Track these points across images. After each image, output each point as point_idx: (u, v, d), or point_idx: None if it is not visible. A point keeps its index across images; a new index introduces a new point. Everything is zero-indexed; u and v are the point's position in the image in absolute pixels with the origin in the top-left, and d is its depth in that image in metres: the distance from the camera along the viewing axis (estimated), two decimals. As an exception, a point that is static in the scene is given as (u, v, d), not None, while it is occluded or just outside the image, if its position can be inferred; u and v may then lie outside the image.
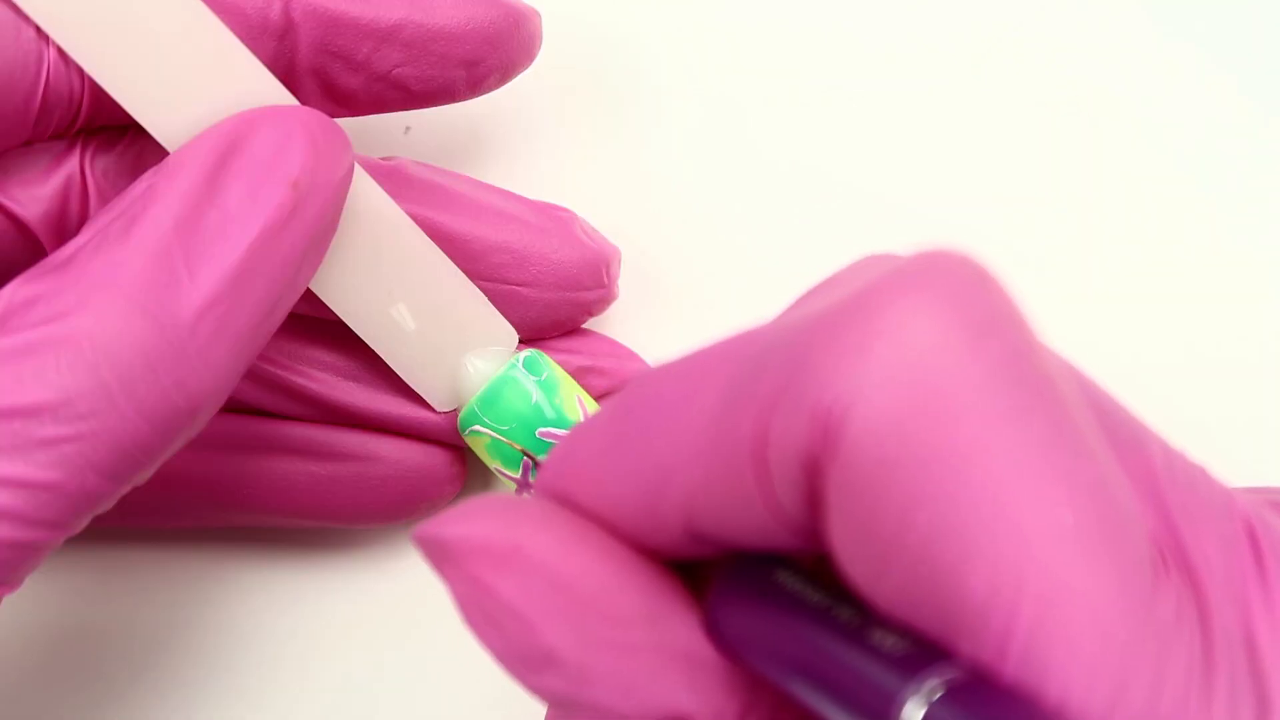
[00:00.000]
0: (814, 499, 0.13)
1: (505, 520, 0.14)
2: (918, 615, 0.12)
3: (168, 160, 0.19)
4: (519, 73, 0.24)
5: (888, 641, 0.12)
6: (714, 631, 0.14)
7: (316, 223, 0.20)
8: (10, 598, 0.19)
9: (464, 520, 0.14)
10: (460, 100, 0.24)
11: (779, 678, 0.13)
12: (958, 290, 0.12)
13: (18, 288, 0.18)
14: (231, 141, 0.19)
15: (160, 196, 0.19)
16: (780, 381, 0.13)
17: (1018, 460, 0.12)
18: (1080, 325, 0.26)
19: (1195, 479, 0.14)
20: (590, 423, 0.15)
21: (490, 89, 0.24)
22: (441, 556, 0.14)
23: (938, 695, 0.12)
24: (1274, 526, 0.14)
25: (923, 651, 0.12)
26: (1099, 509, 0.12)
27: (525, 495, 0.24)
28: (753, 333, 0.14)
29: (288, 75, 0.22)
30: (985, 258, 0.13)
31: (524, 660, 0.14)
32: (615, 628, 0.14)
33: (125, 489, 0.19)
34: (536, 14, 0.24)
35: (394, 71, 0.22)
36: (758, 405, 0.13)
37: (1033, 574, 0.12)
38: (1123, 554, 0.12)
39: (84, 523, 0.19)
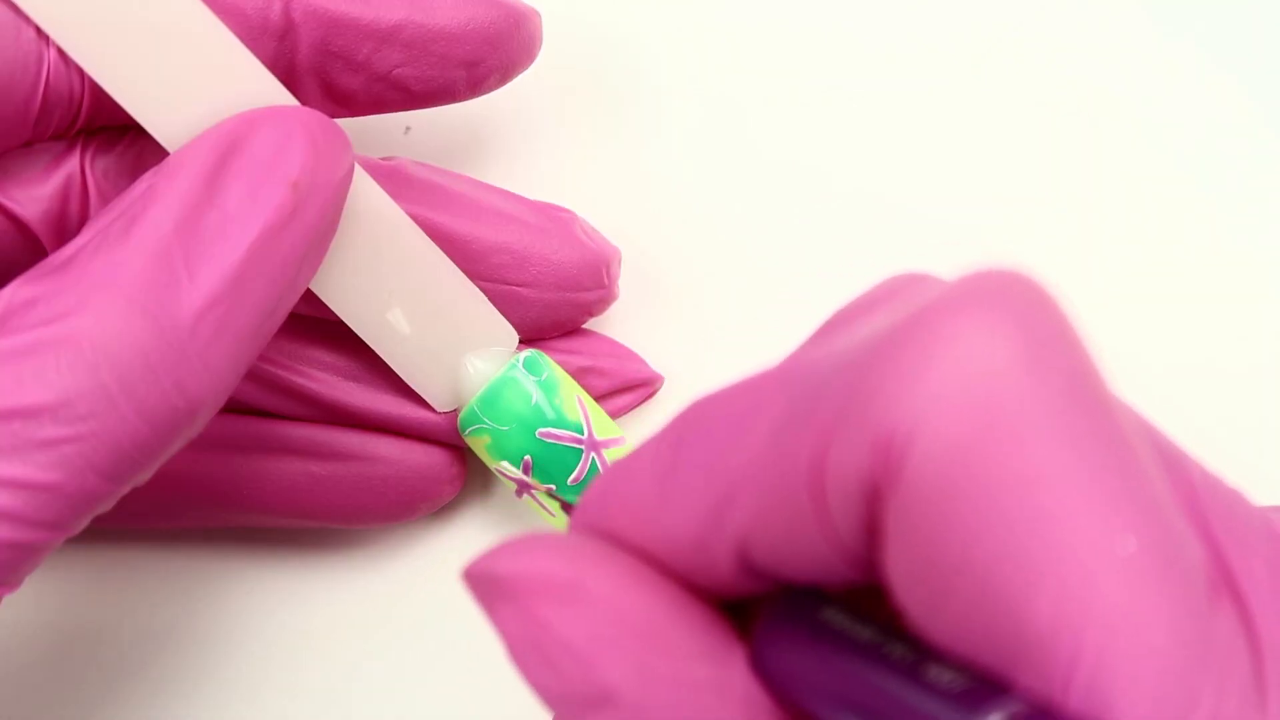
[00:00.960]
0: (872, 527, 0.12)
1: (565, 556, 0.14)
2: (978, 647, 0.12)
3: (167, 161, 0.19)
4: (519, 73, 0.24)
5: (945, 677, 0.12)
6: (762, 670, 0.14)
7: (317, 223, 0.20)
8: (10, 598, 0.19)
9: (520, 555, 0.14)
10: (460, 100, 0.24)
11: (831, 717, 0.13)
12: (1019, 310, 0.12)
13: (18, 288, 0.18)
14: (231, 142, 0.19)
15: (160, 197, 0.19)
16: (839, 407, 0.12)
17: (1081, 486, 0.12)
18: (1079, 326, 0.26)
19: (1234, 501, 0.14)
20: (635, 457, 0.15)
21: (490, 89, 0.24)
22: (494, 593, 0.14)
23: None
24: None
25: (982, 686, 0.12)
26: (1158, 534, 0.12)
27: (527, 495, 0.24)
28: (805, 357, 0.14)
29: (288, 76, 0.22)
30: (1042, 276, 0.13)
31: (578, 700, 0.14)
32: (675, 665, 0.13)
33: (125, 490, 0.19)
34: (536, 14, 0.24)
35: (394, 72, 0.22)
36: (815, 431, 0.12)
37: (1098, 604, 0.11)
38: (1182, 580, 0.12)
39: (84, 523, 0.19)
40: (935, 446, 0.12)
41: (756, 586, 0.14)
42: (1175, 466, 0.14)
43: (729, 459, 0.13)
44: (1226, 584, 0.13)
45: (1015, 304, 0.12)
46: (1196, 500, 0.13)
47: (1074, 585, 0.11)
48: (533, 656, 0.14)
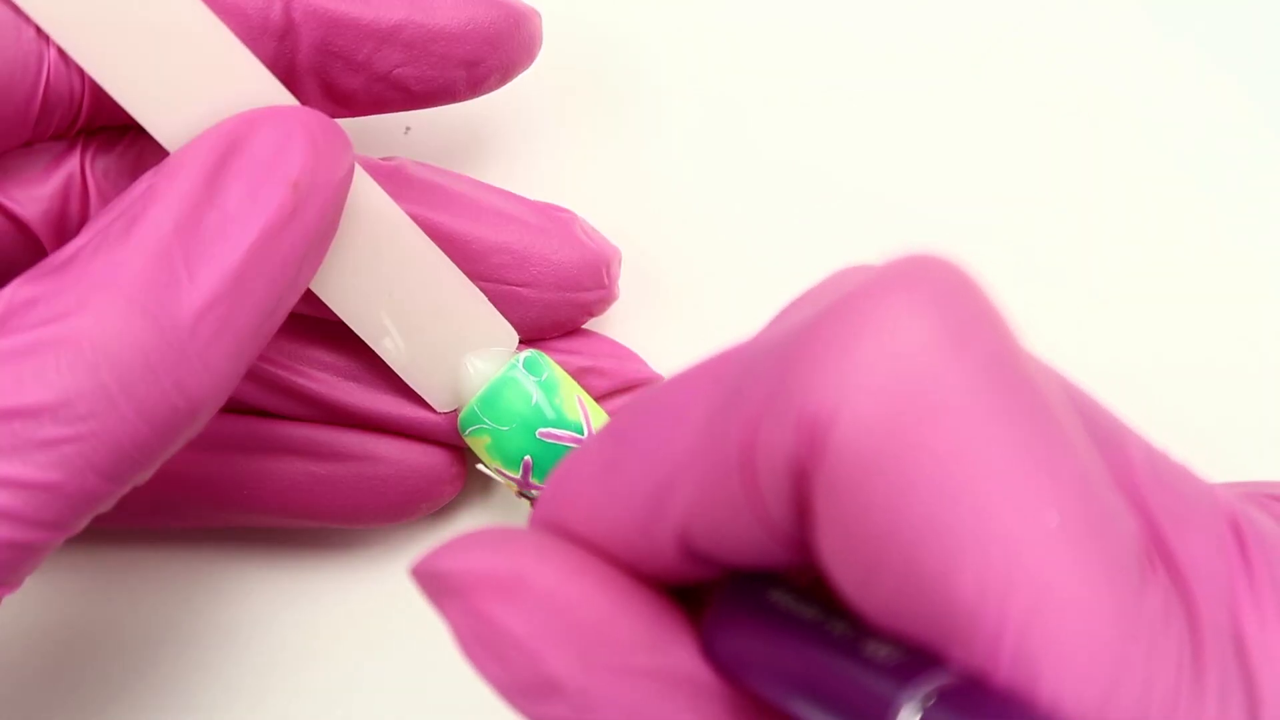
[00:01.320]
0: (802, 507, 0.13)
1: (505, 551, 0.14)
2: (908, 622, 0.12)
3: (168, 161, 0.19)
4: (519, 73, 0.24)
5: (881, 652, 0.12)
6: (711, 654, 0.14)
7: (317, 223, 0.20)
8: (10, 598, 0.19)
9: (462, 553, 0.14)
10: (460, 100, 0.23)
11: (777, 696, 0.13)
12: (939, 293, 0.12)
13: (18, 288, 0.18)
14: (231, 142, 0.19)
15: (160, 197, 0.19)
16: (766, 390, 0.13)
17: (1003, 460, 0.12)
18: (1080, 325, 0.26)
19: (1178, 477, 0.14)
20: (582, 451, 0.15)
21: (490, 89, 0.24)
22: (440, 590, 0.14)
23: (931, 701, 0.12)
24: (1258, 522, 0.14)
25: (916, 659, 0.12)
26: (1085, 508, 0.12)
27: (531, 494, 0.24)
28: (738, 348, 0.14)
29: (288, 76, 0.21)
30: (965, 260, 0.13)
31: (526, 690, 0.14)
32: (618, 654, 0.14)
33: (125, 489, 0.19)
34: (537, 14, 0.24)
35: (394, 72, 0.22)
36: (745, 415, 0.13)
37: (1020, 575, 0.12)
38: (1110, 552, 0.12)
39: (84, 523, 0.19)
40: (856, 425, 0.12)
41: (702, 573, 0.14)
42: (1112, 442, 0.14)
43: (666, 448, 0.14)
44: (1164, 559, 0.13)
45: (935, 287, 0.12)
46: (1133, 476, 0.13)
47: (996, 557, 0.12)
48: (480, 650, 0.14)
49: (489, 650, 0.14)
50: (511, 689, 0.14)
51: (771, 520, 0.13)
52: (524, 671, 0.14)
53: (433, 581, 0.14)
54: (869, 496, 0.12)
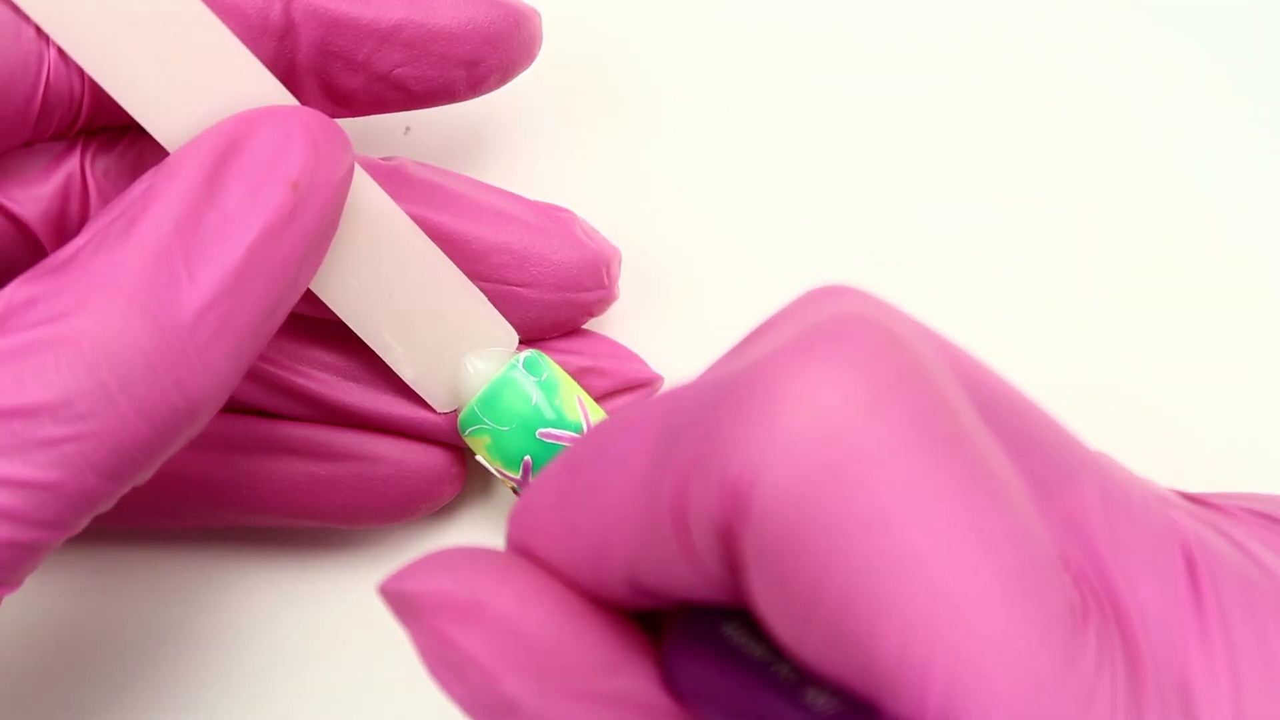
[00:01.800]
0: (734, 562, 0.13)
1: (465, 574, 0.14)
2: (841, 675, 0.12)
3: (167, 160, 0.19)
4: (519, 73, 0.24)
5: (820, 700, 0.13)
6: (669, 682, 0.15)
7: (317, 223, 0.20)
8: (10, 598, 0.19)
9: (425, 575, 0.15)
10: (460, 100, 0.23)
11: None
12: (859, 353, 0.12)
13: (17, 288, 0.18)
14: (231, 142, 0.19)
15: (160, 197, 0.19)
16: (693, 449, 0.13)
17: (924, 521, 0.12)
18: (1079, 325, 0.26)
19: (1134, 509, 0.14)
20: (544, 476, 0.15)
21: (490, 89, 0.24)
22: (404, 610, 0.15)
23: None
24: (1216, 555, 0.14)
25: (852, 710, 0.13)
26: (1012, 563, 0.12)
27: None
28: (682, 390, 0.14)
29: (288, 76, 0.21)
30: (889, 305, 0.14)
31: (487, 710, 0.14)
32: (572, 678, 0.14)
33: (125, 489, 0.19)
34: (537, 14, 0.24)
35: (394, 72, 0.22)
36: (675, 471, 0.13)
37: (943, 635, 0.12)
38: (1038, 607, 0.12)
39: (84, 523, 0.19)
40: (777, 490, 0.12)
41: (654, 605, 0.15)
42: (1065, 479, 0.14)
43: (609, 494, 0.14)
44: (1110, 603, 0.13)
45: (855, 348, 0.12)
46: (1085, 515, 0.13)
47: (918, 620, 0.12)
48: (442, 669, 0.14)
49: (450, 670, 0.14)
50: (474, 708, 0.15)
51: (707, 571, 0.13)
52: (483, 692, 0.14)
53: (397, 601, 0.15)
54: (793, 560, 0.12)
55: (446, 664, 0.14)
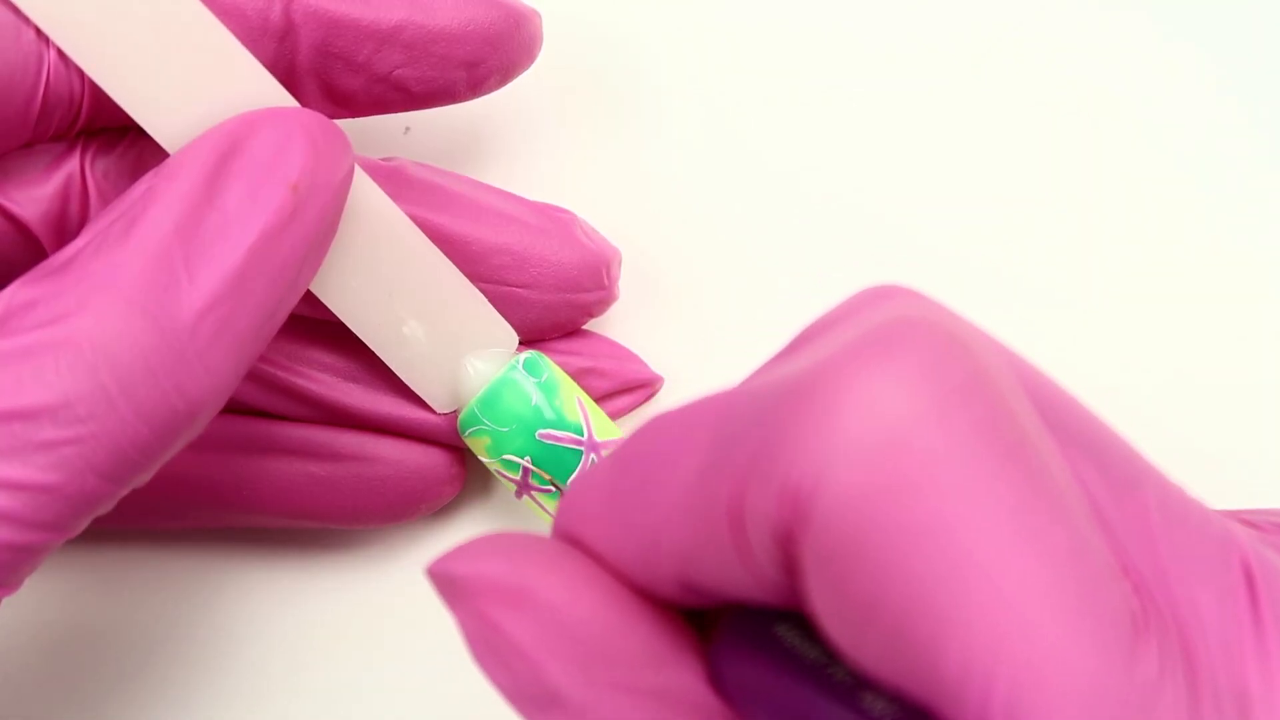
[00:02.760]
0: (791, 567, 0.13)
1: (515, 560, 0.14)
2: (900, 681, 0.12)
3: (167, 162, 0.19)
4: (519, 74, 0.24)
5: (878, 705, 0.13)
6: (716, 681, 0.14)
7: (317, 224, 0.19)
8: (10, 599, 0.19)
9: (475, 557, 0.14)
10: (461, 101, 0.23)
11: None
12: (923, 358, 0.12)
13: (17, 290, 0.18)
14: (231, 143, 0.19)
15: (160, 198, 0.19)
16: (752, 452, 0.13)
17: (986, 530, 0.12)
18: (1080, 326, 0.26)
19: (1192, 519, 0.14)
20: (595, 471, 0.15)
21: (490, 90, 0.23)
22: (451, 592, 0.14)
23: None
24: (1274, 568, 0.13)
25: (909, 715, 0.12)
26: (1074, 572, 0.12)
27: (526, 497, 0.23)
28: (736, 391, 0.14)
29: (288, 77, 0.21)
30: (956, 310, 0.13)
31: (530, 698, 0.14)
32: (619, 671, 0.14)
33: (124, 491, 0.19)
34: (537, 15, 0.23)
35: (394, 73, 0.22)
36: (733, 474, 0.13)
37: (1006, 645, 0.12)
38: (1099, 616, 0.12)
39: (83, 525, 0.19)
40: (839, 497, 0.12)
41: (704, 603, 0.15)
42: (1126, 485, 0.14)
43: (661, 493, 0.14)
44: (1170, 613, 0.13)
45: (919, 352, 0.12)
46: (1148, 522, 0.13)
47: (980, 633, 0.12)
48: (487, 655, 0.14)
49: (495, 656, 0.14)
50: (516, 695, 0.14)
51: (763, 575, 0.13)
52: (527, 680, 0.14)
53: (445, 583, 0.15)
54: (854, 567, 0.12)
55: (491, 649, 0.14)
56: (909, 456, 0.12)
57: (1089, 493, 0.13)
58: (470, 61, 0.23)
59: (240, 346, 0.19)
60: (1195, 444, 0.25)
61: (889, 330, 0.13)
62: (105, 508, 0.19)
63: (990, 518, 0.12)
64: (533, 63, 0.24)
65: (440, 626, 0.24)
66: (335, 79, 0.22)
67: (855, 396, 0.12)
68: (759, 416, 0.13)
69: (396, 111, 0.23)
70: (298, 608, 0.25)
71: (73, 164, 0.21)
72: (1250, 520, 0.15)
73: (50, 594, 0.24)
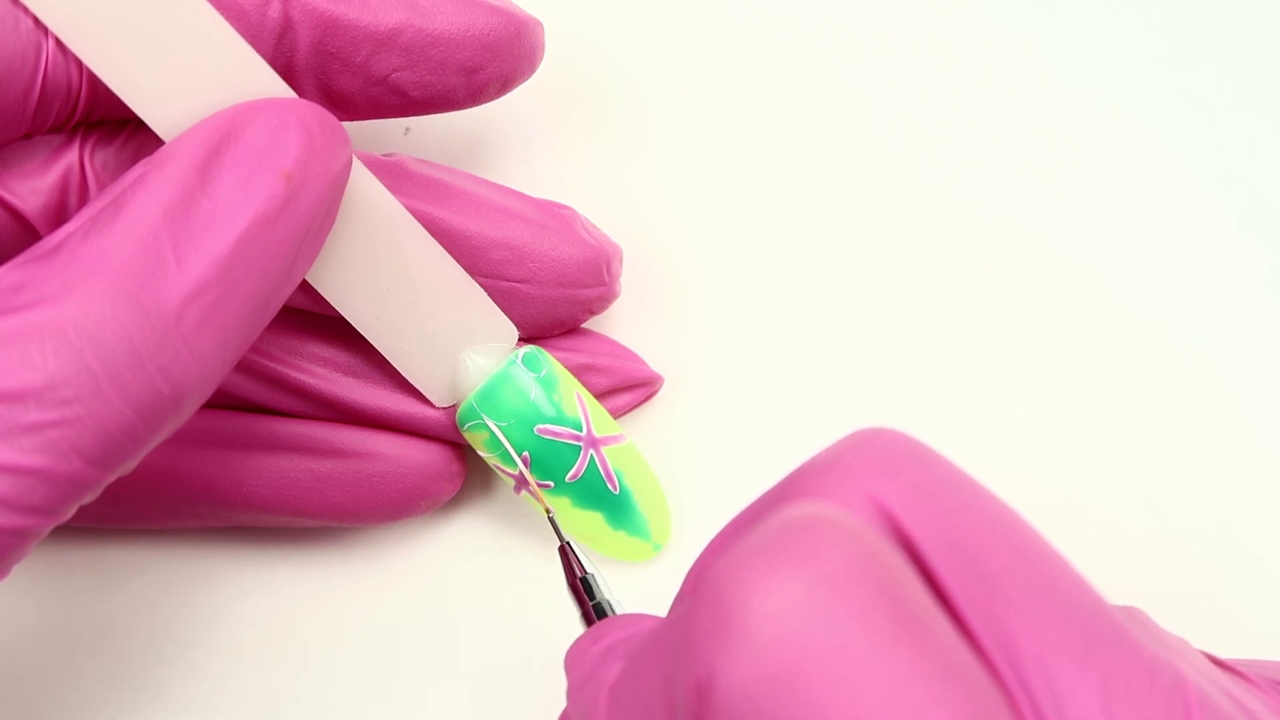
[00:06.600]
0: None
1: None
2: None
3: (161, 150, 0.18)
4: (520, 82, 0.23)
5: None
6: None
7: (311, 215, 0.18)
8: (10, 598, 0.18)
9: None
10: (461, 108, 0.22)
11: None
12: (807, 557, 0.13)
13: (5, 273, 0.17)
14: (225, 131, 0.18)
15: (150, 184, 0.18)
16: (672, 660, 0.14)
17: (864, 711, 0.13)
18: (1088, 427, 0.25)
19: (1137, 684, 0.14)
20: (607, 671, 0.17)
21: (490, 98, 0.22)
22: None
23: None
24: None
25: None
26: None
27: (525, 491, 0.22)
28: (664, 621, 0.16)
29: (287, 76, 0.20)
30: (936, 449, 0.15)
31: None
32: None
33: (111, 477, 0.17)
34: (539, 24, 0.22)
35: (392, 76, 0.21)
36: (664, 678, 0.15)
37: None
38: None
39: (71, 511, 0.17)
40: (727, 691, 0.13)
41: None
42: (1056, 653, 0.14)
43: (643, 697, 0.15)
44: None
45: (805, 549, 0.14)
46: (1084, 699, 0.14)
47: None
48: None
49: None
50: None
51: None
52: None
53: None
54: None
55: None
56: (788, 652, 0.13)
57: (1003, 652, 0.14)
58: (469, 67, 0.22)
59: (228, 333, 0.18)
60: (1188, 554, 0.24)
61: (779, 532, 0.14)
62: (93, 493, 0.18)
63: (864, 704, 0.13)
64: (533, 72, 0.23)
65: (441, 623, 0.23)
66: (333, 79, 0.21)
67: (739, 600, 0.13)
68: (679, 629, 0.14)
69: (395, 116, 0.22)
70: (298, 607, 0.23)
71: (72, 156, 0.20)
72: (1242, 673, 0.15)
73: (50, 594, 0.23)
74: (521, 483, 0.22)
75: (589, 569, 0.20)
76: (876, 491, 0.15)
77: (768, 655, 0.13)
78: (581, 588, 0.20)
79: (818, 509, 0.14)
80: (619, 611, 0.20)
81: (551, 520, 0.21)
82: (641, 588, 0.23)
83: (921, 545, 0.14)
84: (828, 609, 0.13)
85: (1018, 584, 0.14)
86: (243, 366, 0.22)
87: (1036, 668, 0.14)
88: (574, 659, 0.17)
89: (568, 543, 0.21)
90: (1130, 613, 0.15)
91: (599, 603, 0.20)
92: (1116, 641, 0.14)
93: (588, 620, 0.20)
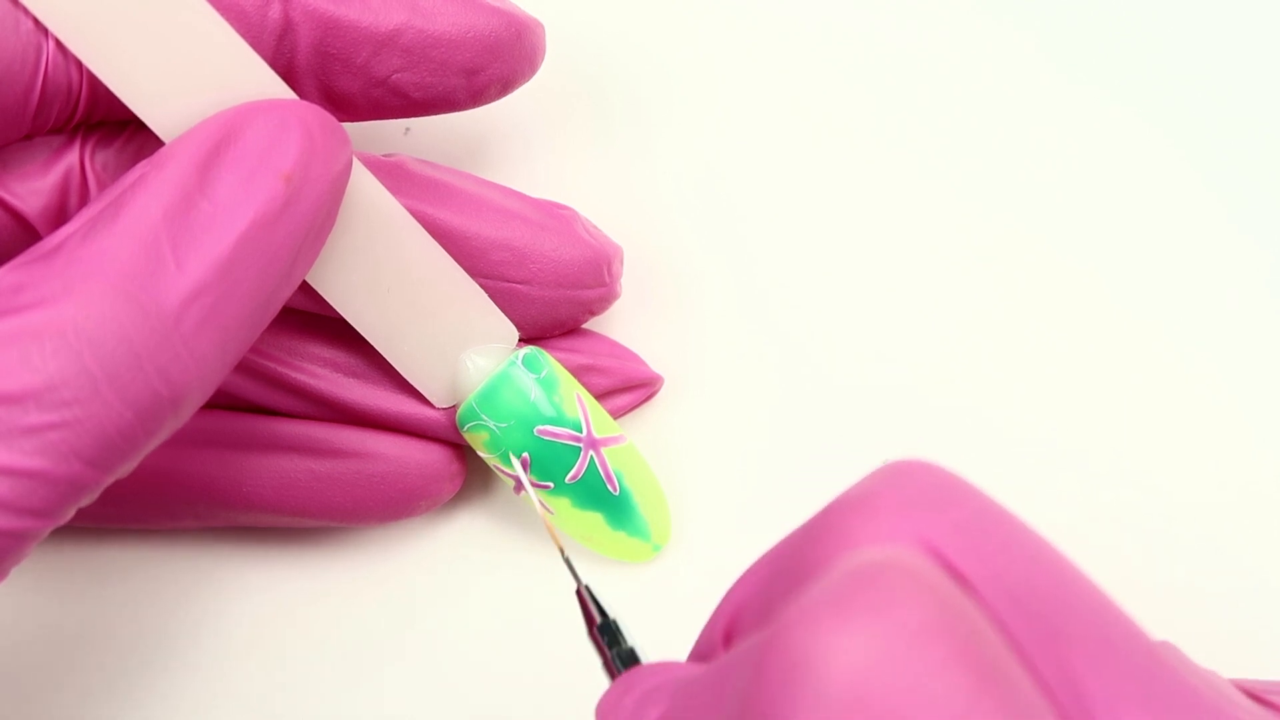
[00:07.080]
0: None
1: None
2: None
3: (161, 150, 0.18)
4: (520, 84, 0.22)
5: None
6: None
7: (311, 216, 0.18)
8: (10, 599, 0.17)
9: None
10: (462, 110, 0.22)
11: None
12: (884, 608, 0.13)
13: (4, 274, 0.17)
14: (225, 132, 0.18)
15: (150, 185, 0.18)
16: (738, 714, 0.13)
17: None
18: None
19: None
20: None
21: (491, 100, 0.22)
22: None
23: None
24: None
25: None
26: None
27: (525, 493, 0.22)
28: (733, 654, 0.15)
29: (287, 77, 0.20)
30: (967, 477, 0.14)
31: None
32: None
33: (110, 479, 0.17)
34: (540, 26, 0.22)
35: (393, 77, 0.21)
36: None
37: None
38: None
39: (70, 513, 0.17)
40: None
41: None
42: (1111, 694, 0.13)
43: None
44: None
45: (882, 602, 0.13)
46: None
47: None
48: None
49: None
50: None
51: None
52: None
53: None
54: None
55: None
56: (871, 703, 0.12)
57: (1065, 693, 0.13)
58: (469, 69, 0.21)
59: (228, 334, 0.18)
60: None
61: (852, 582, 0.13)
62: (92, 495, 0.17)
63: None
64: (534, 74, 0.23)
65: (439, 625, 0.23)
66: (333, 80, 0.21)
67: (819, 651, 0.13)
68: (742, 678, 0.13)
69: (396, 117, 0.22)
70: (298, 607, 0.23)
71: (72, 157, 0.20)
72: (1269, 700, 0.15)
73: (50, 594, 0.23)
74: (521, 485, 0.22)
75: (610, 615, 0.19)
76: (924, 532, 0.14)
77: (849, 711, 0.12)
78: (601, 637, 0.18)
79: (887, 555, 0.13)
80: (644, 659, 0.19)
81: (568, 562, 0.20)
82: (641, 588, 0.22)
83: (980, 588, 0.14)
84: (909, 663, 0.12)
85: (1077, 627, 0.14)
86: (243, 367, 0.22)
87: (1109, 717, 0.13)
88: (606, 711, 0.17)
89: (586, 586, 0.19)
90: (1168, 648, 0.15)
91: (624, 650, 0.18)
92: (1174, 687, 0.14)
93: (609, 668, 0.18)
